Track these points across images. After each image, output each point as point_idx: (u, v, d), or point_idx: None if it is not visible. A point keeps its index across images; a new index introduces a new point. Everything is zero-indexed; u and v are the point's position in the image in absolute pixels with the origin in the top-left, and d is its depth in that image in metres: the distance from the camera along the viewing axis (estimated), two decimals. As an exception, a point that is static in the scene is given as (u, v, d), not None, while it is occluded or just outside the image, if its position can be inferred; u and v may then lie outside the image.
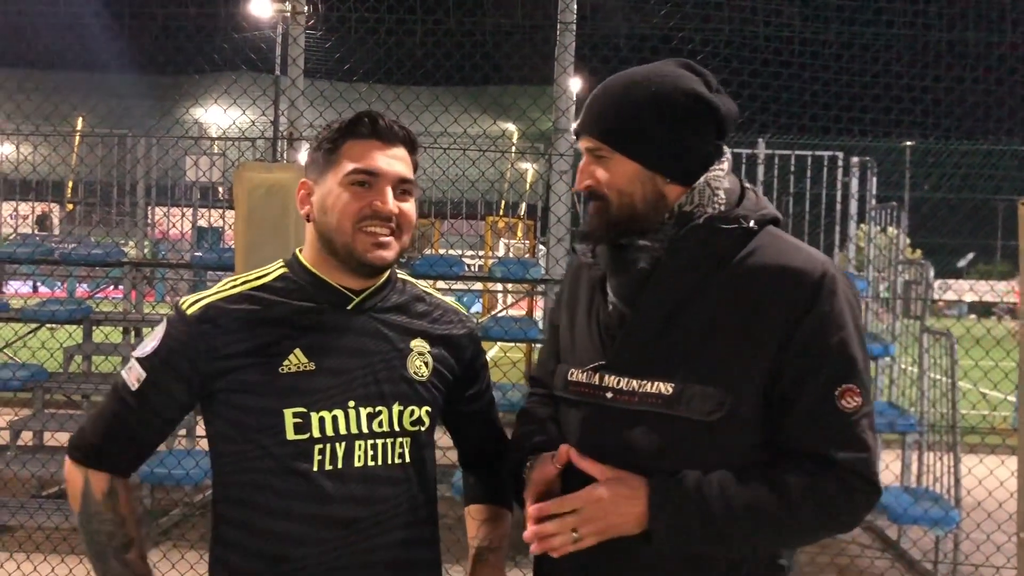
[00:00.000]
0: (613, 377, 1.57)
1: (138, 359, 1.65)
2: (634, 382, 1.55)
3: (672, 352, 1.53)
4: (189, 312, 1.63)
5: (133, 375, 1.63)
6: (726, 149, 1.64)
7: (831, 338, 1.49)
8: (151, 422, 1.66)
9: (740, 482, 1.47)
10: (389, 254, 1.64)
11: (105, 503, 1.63)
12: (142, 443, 1.69)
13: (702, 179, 1.58)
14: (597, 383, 1.59)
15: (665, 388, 1.52)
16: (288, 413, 1.58)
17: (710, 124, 1.58)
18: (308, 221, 1.68)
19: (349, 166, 1.61)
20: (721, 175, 1.60)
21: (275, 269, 1.71)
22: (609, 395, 1.57)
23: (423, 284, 1.86)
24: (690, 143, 1.57)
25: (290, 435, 1.58)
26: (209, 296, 1.66)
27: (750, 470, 1.49)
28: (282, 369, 1.59)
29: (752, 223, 1.56)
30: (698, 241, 1.54)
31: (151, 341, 1.65)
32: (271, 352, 1.60)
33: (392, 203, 1.63)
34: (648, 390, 1.53)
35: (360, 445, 1.61)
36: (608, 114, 1.60)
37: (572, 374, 1.65)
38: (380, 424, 1.63)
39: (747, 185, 1.66)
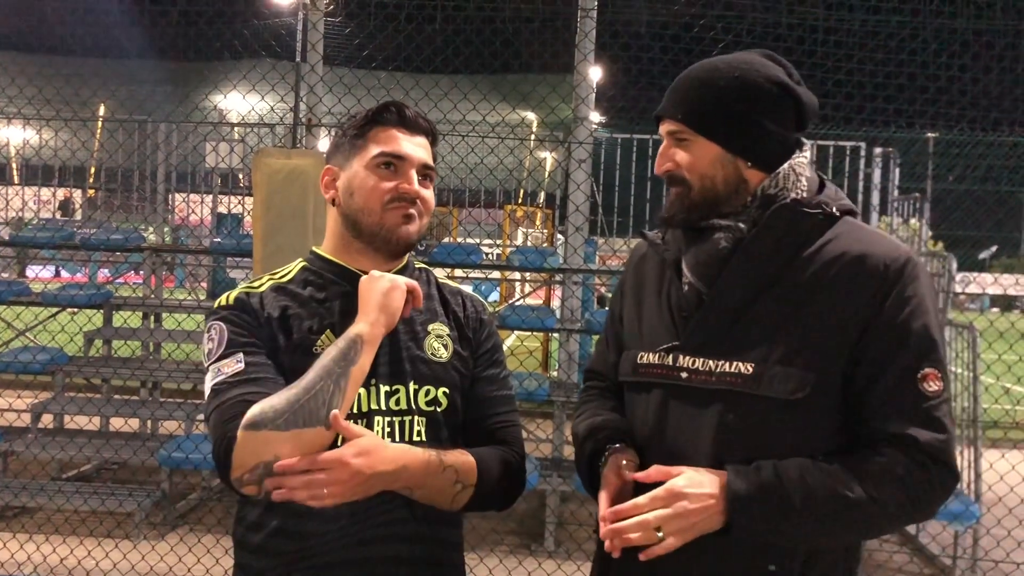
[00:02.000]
0: (688, 357, 1.57)
1: (219, 358, 1.61)
2: (710, 362, 1.54)
3: (751, 332, 1.53)
4: (227, 302, 1.69)
5: (227, 368, 1.60)
6: (806, 141, 1.66)
7: (915, 322, 1.49)
8: (273, 382, 1.59)
9: (819, 469, 1.45)
10: (414, 229, 1.70)
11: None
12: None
13: (786, 164, 1.60)
14: (671, 364, 1.59)
15: (745, 368, 1.51)
16: None
17: (791, 113, 1.61)
18: (333, 205, 1.74)
19: (376, 150, 1.69)
20: (804, 163, 1.62)
21: (296, 265, 1.79)
22: (684, 375, 1.57)
23: (439, 272, 1.88)
24: (772, 129, 1.59)
25: None
26: (238, 290, 1.72)
27: (829, 457, 1.48)
28: (315, 349, 1.63)
29: (834, 209, 1.58)
30: (783, 222, 1.56)
31: (215, 340, 1.64)
32: (304, 335, 1.65)
33: (417, 185, 1.70)
34: (727, 370, 1.52)
35: (379, 421, 1.64)
36: (691, 97, 1.62)
37: (642, 357, 1.64)
38: (397, 402, 1.66)
39: (825, 177, 1.68)
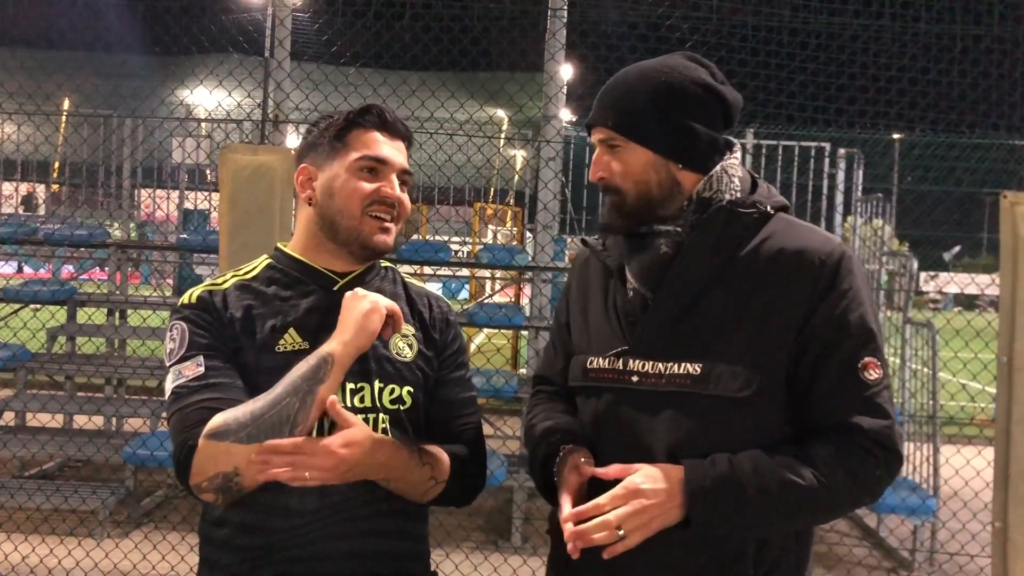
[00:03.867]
0: (638, 361, 1.60)
1: (179, 360, 1.63)
2: (660, 364, 1.58)
3: (697, 334, 1.57)
4: (190, 300, 1.69)
5: (188, 371, 1.61)
6: (735, 140, 1.71)
7: (852, 314, 1.55)
8: (232, 387, 1.61)
9: (771, 460, 1.50)
10: (390, 239, 1.73)
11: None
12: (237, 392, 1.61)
13: (719, 166, 1.64)
14: (621, 368, 1.62)
15: (693, 368, 1.55)
16: None
17: (718, 113, 1.65)
18: (309, 205, 1.74)
19: (358, 153, 1.70)
20: (736, 163, 1.67)
21: (261, 262, 1.79)
22: (635, 379, 1.60)
23: (407, 270, 1.89)
24: (700, 131, 1.62)
25: None
26: (202, 287, 1.73)
27: (779, 447, 1.53)
28: (279, 348, 1.65)
29: (768, 208, 1.63)
30: (719, 224, 1.60)
31: (176, 340, 1.65)
32: (267, 334, 1.66)
33: (398, 190, 1.72)
34: (676, 371, 1.56)
35: None
36: (620, 104, 1.64)
37: (592, 362, 1.67)
38: (362, 400, 1.67)
39: (755, 175, 1.72)
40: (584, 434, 1.70)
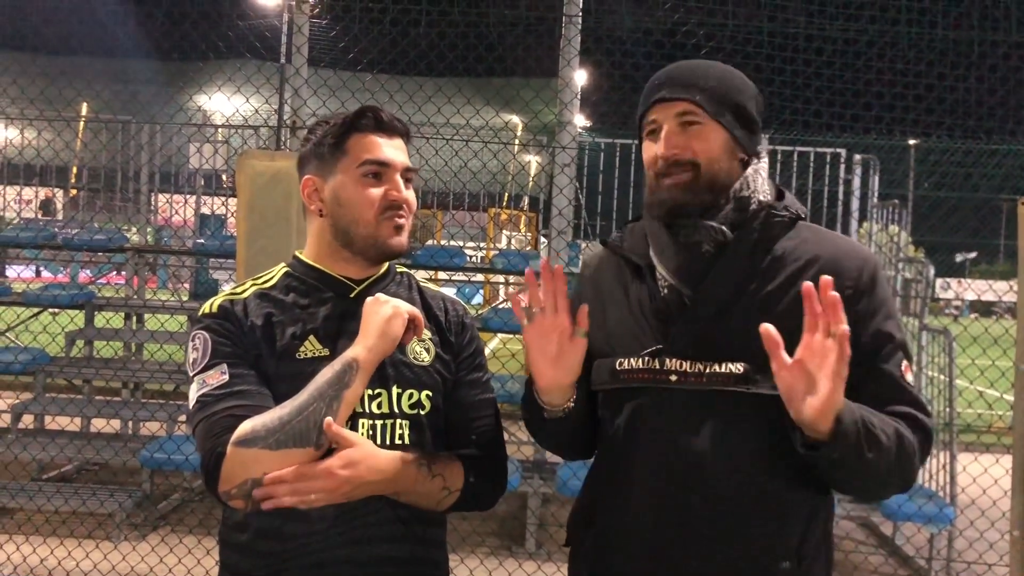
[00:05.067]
0: (675, 360, 1.59)
1: (204, 369, 1.64)
2: (699, 364, 1.57)
3: (738, 332, 1.56)
4: (211, 310, 1.71)
5: (212, 379, 1.62)
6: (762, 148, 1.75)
7: (887, 322, 1.60)
8: (256, 394, 1.62)
9: (883, 419, 1.52)
10: (405, 239, 1.74)
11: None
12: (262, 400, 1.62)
13: (751, 168, 1.66)
14: (658, 367, 1.60)
15: (736, 367, 1.55)
16: None
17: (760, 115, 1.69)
18: (320, 217, 1.74)
19: (360, 158, 1.70)
20: (765, 167, 1.70)
21: (279, 270, 1.80)
22: (673, 378, 1.59)
23: (422, 275, 1.91)
24: (758, 127, 1.68)
25: None
26: (222, 297, 1.74)
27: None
28: (299, 355, 1.66)
29: (800, 213, 1.67)
30: (759, 226, 1.63)
31: (200, 350, 1.66)
32: (287, 341, 1.67)
33: (403, 190, 1.73)
34: (717, 370, 1.56)
35: (363, 424, 1.66)
36: (704, 83, 1.62)
37: (621, 363, 1.65)
38: (380, 405, 1.68)
39: (775, 183, 1.75)
40: (616, 437, 1.68)
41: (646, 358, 1.61)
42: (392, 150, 1.72)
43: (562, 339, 1.59)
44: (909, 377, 1.59)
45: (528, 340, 1.60)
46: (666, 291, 1.64)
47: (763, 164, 1.70)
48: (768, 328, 1.41)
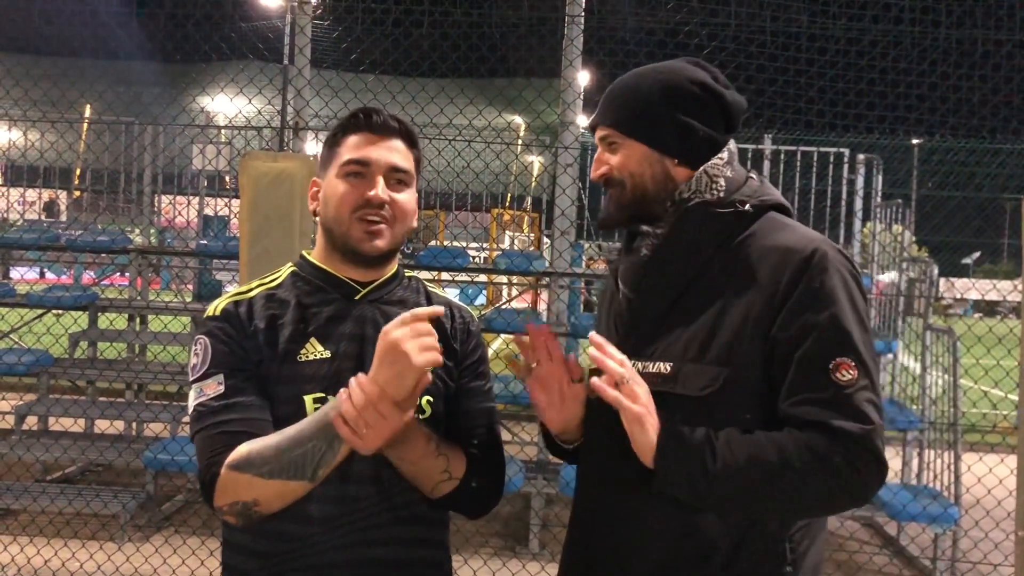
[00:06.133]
0: None
1: (200, 378, 1.64)
2: (639, 364, 1.60)
3: (673, 333, 1.60)
4: (215, 313, 1.71)
5: (209, 389, 1.62)
6: (731, 142, 1.72)
7: (821, 313, 1.51)
8: (252, 406, 1.62)
9: (746, 437, 1.50)
10: (382, 243, 1.70)
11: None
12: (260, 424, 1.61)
13: (700, 168, 1.65)
14: None
15: (664, 368, 1.58)
16: (308, 399, 1.64)
17: (716, 112, 1.67)
18: (314, 216, 1.76)
19: (343, 158, 1.71)
20: (720, 164, 1.67)
21: (286, 270, 1.80)
22: None
23: (425, 276, 1.90)
24: (697, 128, 1.65)
25: None
26: (227, 299, 1.74)
27: (756, 432, 1.51)
28: (300, 358, 1.66)
29: (748, 207, 1.62)
30: (693, 224, 1.62)
31: (200, 356, 1.66)
32: (289, 344, 1.67)
33: (383, 191, 1.68)
34: (650, 370, 1.59)
35: None
36: (617, 103, 1.70)
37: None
38: None
39: (752, 175, 1.71)
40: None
41: None
42: (378, 150, 1.70)
43: (562, 386, 1.68)
44: (844, 374, 1.48)
45: (532, 393, 1.69)
46: (622, 296, 1.70)
47: (716, 161, 1.66)
48: (594, 338, 1.53)
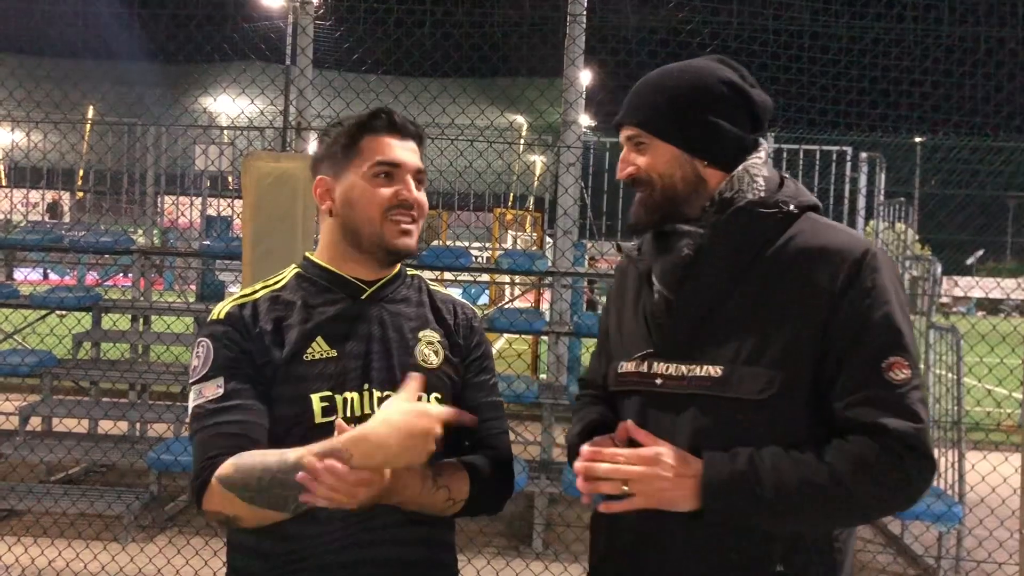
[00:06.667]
0: (662, 364, 1.61)
1: (200, 380, 1.65)
2: (683, 367, 1.58)
3: (719, 335, 1.57)
4: (219, 316, 1.71)
5: (208, 391, 1.63)
6: (763, 140, 1.70)
7: (875, 312, 1.51)
8: (250, 410, 1.63)
9: (792, 458, 1.48)
10: (413, 241, 1.73)
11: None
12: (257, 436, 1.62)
13: (740, 167, 1.63)
14: (646, 371, 1.63)
15: (714, 371, 1.55)
16: (315, 398, 1.65)
17: (744, 112, 1.65)
18: (330, 216, 1.74)
19: (371, 159, 1.70)
20: (759, 163, 1.65)
21: (290, 271, 1.80)
22: (659, 381, 1.61)
23: (428, 275, 1.90)
24: (726, 129, 1.63)
25: (318, 419, 1.64)
26: (232, 302, 1.74)
27: (802, 447, 1.49)
28: (307, 357, 1.66)
29: (792, 207, 1.60)
30: (740, 225, 1.59)
31: (201, 358, 1.67)
32: (295, 343, 1.67)
33: (415, 192, 1.72)
34: (698, 373, 1.56)
35: None
36: (644, 102, 1.67)
37: (622, 367, 1.68)
38: None
39: (785, 175, 1.70)
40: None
41: (637, 361, 1.65)
42: (404, 151, 1.72)
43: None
44: (898, 373, 1.49)
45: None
46: (657, 296, 1.66)
47: (755, 159, 1.65)
48: (627, 425, 1.54)
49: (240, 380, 1.63)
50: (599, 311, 13.20)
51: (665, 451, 1.51)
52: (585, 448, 1.54)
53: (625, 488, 1.49)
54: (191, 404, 1.65)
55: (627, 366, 1.67)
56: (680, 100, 1.63)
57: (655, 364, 1.62)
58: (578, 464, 1.53)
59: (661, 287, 1.65)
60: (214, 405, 1.61)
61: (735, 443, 1.52)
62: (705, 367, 1.56)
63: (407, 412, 1.50)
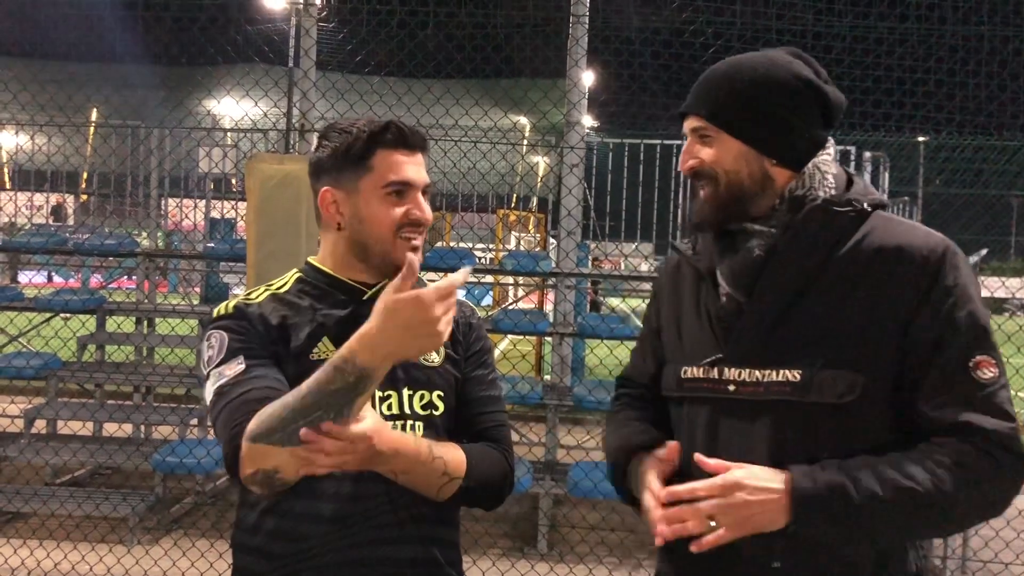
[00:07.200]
0: (734, 369, 1.55)
1: (219, 364, 1.63)
2: (757, 372, 1.52)
3: (795, 339, 1.51)
4: (226, 311, 1.71)
5: (229, 371, 1.61)
6: (831, 138, 1.65)
7: (960, 311, 1.47)
8: (273, 379, 1.61)
9: (885, 465, 1.43)
10: (420, 257, 1.72)
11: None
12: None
13: (811, 164, 1.58)
14: (717, 377, 1.57)
15: (792, 375, 1.49)
16: None
17: (817, 110, 1.59)
18: (339, 230, 1.73)
19: (384, 179, 1.69)
20: (829, 160, 1.60)
21: (292, 276, 1.81)
22: (731, 388, 1.55)
23: (431, 276, 1.91)
24: (796, 126, 1.57)
25: None
26: (235, 301, 1.74)
27: (885, 451, 1.45)
28: (312, 356, 1.66)
29: (865, 205, 1.55)
30: (814, 224, 1.53)
31: (215, 347, 1.65)
32: (302, 343, 1.68)
33: (426, 209, 1.72)
34: (774, 379, 1.50)
35: None
36: (715, 94, 1.60)
37: (686, 372, 1.61)
38: (389, 407, 1.69)
39: (851, 172, 1.65)
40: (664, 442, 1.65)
41: (706, 367, 1.58)
42: (414, 168, 1.72)
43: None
44: (986, 372, 1.45)
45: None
46: (724, 299, 1.59)
47: (825, 156, 1.60)
48: (701, 459, 1.46)
49: (259, 359, 1.63)
50: (602, 312, 13.17)
51: (742, 474, 1.44)
52: (661, 492, 1.48)
53: (711, 523, 1.43)
54: (212, 387, 1.61)
55: (694, 371, 1.60)
56: (751, 94, 1.56)
57: (726, 370, 1.55)
58: (659, 513, 1.47)
59: (731, 289, 1.58)
60: (238, 378, 1.59)
61: (816, 450, 1.48)
62: (782, 372, 1.50)
63: (399, 300, 1.43)
